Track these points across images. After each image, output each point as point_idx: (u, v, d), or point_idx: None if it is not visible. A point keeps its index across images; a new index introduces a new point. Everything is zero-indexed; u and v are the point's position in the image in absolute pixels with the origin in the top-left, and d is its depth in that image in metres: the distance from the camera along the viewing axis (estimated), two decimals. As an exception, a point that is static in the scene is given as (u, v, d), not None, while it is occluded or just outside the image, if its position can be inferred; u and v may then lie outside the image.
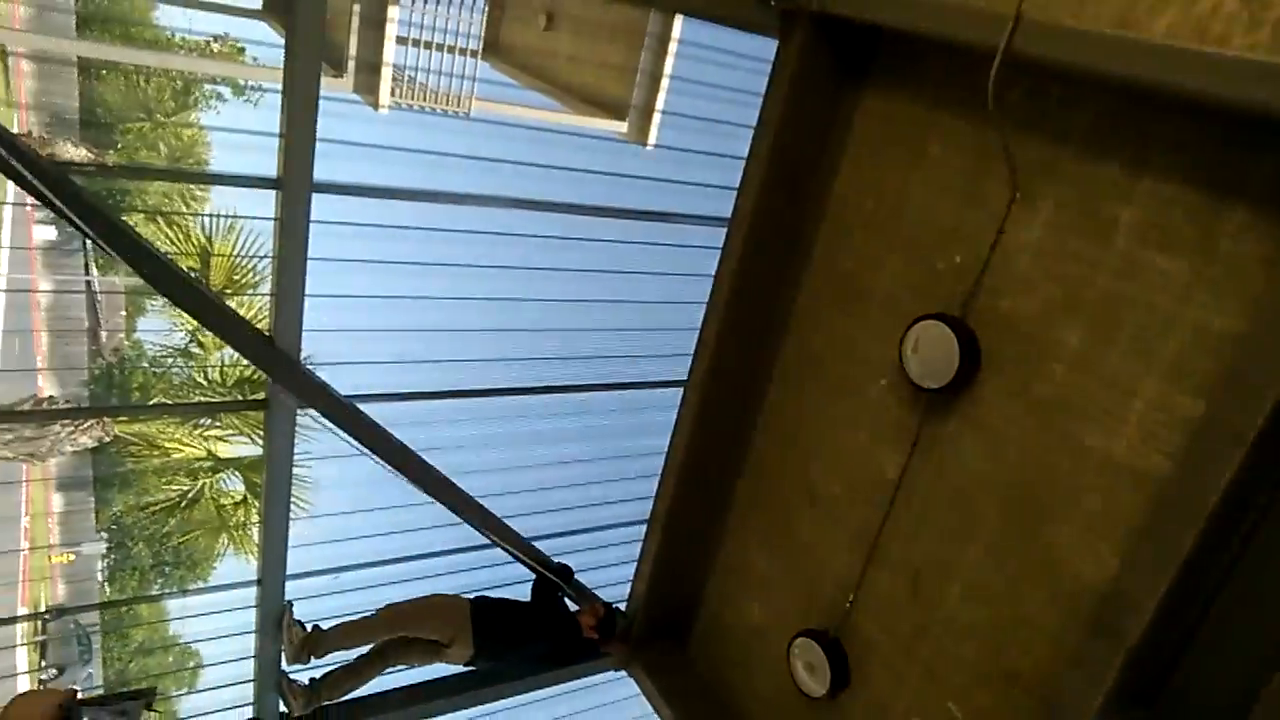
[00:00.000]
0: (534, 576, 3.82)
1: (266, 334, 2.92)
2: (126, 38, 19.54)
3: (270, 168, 2.77)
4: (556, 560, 3.88)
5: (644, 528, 4.04)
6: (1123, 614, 2.27)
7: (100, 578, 23.88)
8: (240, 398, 7.69)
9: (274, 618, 3.22)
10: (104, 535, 22.92)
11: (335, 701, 3.36)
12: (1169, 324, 2.27)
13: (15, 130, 15.10)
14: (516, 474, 4.07)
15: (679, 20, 7.64)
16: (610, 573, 4.24)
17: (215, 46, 18.17)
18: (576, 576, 3.98)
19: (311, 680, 3.34)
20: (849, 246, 3.33)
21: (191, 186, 17.92)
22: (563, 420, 4.20)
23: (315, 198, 2.74)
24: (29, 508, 19.89)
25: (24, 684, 15.30)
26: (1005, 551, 2.78)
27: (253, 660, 3.39)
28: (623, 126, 8.56)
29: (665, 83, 8.15)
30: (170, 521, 8.26)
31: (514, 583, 3.86)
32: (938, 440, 2.98)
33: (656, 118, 8.42)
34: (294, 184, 2.67)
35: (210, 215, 8.44)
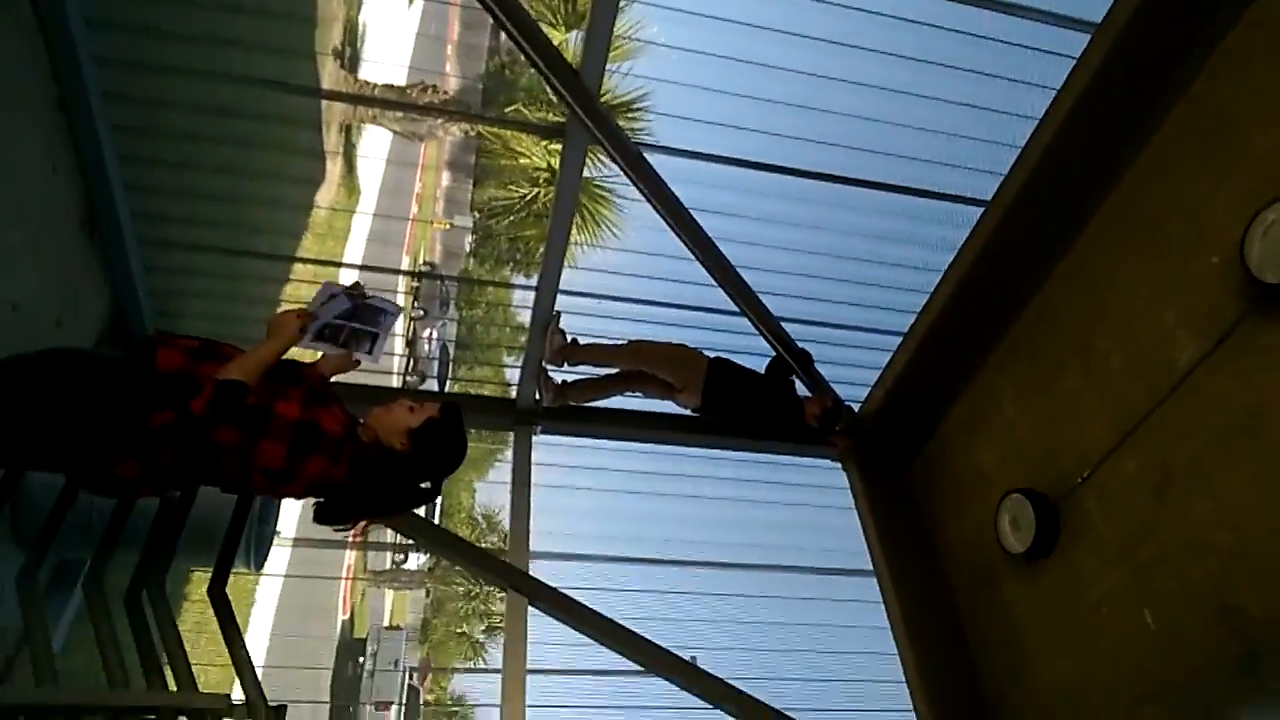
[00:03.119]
0: (772, 354, 3.95)
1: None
2: None
3: None
4: (800, 345, 3.96)
5: (898, 339, 3.96)
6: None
7: (468, 248, 28.63)
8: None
9: (541, 322, 3.74)
10: (476, 215, 27.01)
11: (577, 404, 3.94)
12: None
13: None
14: (778, 254, 4.09)
15: None
16: (849, 372, 4.26)
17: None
18: (816, 366, 4.04)
19: (564, 381, 3.91)
20: (1244, 81, 2.64)
21: None
22: (847, 214, 4.05)
23: None
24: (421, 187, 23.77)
25: (399, 322, 19.14)
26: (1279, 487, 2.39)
27: (523, 352, 4.02)
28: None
29: None
30: (508, 219, 9.48)
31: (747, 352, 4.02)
32: (1252, 343, 2.51)
33: None
34: None
35: None
